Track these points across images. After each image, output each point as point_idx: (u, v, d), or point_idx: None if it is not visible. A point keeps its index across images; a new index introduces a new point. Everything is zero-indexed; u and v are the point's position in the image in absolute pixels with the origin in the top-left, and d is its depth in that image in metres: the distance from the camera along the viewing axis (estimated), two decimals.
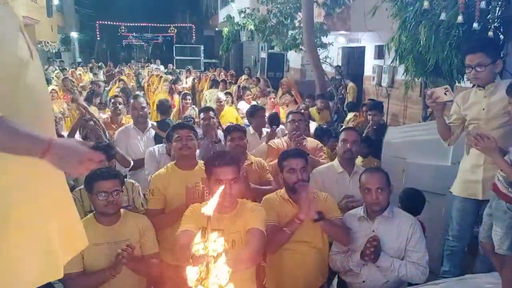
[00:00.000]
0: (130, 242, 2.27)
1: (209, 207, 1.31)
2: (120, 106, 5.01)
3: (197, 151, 3.47)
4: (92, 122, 4.18)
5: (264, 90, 8.60)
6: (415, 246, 2.42)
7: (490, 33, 4.03)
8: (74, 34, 25.36)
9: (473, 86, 2.91)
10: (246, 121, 5.31)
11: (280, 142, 3.91)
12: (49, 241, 1.35)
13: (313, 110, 6.72)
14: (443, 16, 4.17)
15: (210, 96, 8.07)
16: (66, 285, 2.31)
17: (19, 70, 1.24)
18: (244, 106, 6.74)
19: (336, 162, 3.19)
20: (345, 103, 8.70)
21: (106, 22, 27.90)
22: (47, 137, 1.22)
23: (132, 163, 3.66)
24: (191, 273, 1.25)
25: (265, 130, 4.55)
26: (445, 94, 2.64)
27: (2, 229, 1.23)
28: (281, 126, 4.83)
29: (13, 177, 1.25)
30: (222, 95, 6.41)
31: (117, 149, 3.58)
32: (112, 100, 5.09)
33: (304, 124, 4.07)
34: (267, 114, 5.14)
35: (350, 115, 6.79)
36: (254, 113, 4.63)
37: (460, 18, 3.98)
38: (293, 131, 3.89)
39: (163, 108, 5.11)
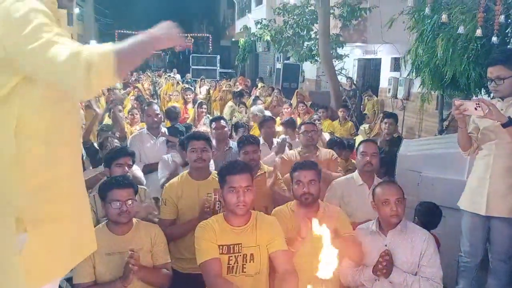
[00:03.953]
0: (133, 250, 2.23)
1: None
2: (121, 114, 5.21)
3: (211, 161, 3.48)
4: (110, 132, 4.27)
5: (281, 100, 8.62)
6: (429, 261, 2.37)
7: (510, 48, 3.97)
8: (93, 43, 25.87)
9: (492, 98, 2.87)
10: None
11: (293, 154, 3.89)
12: (63, 240, 1.43)
13: (334, 123, 6.68)
14: (461, 30, 4.13)
15: (227, 110, 8.08)
16: None
17: None
18: None
19: (356, 174, 3.17)
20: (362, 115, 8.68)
21: (124, 31, 28.36)
22: (146, 33, 1.42)
23: (145, 183, 3.62)
24: None
25: (276, 140, 4.56)
26: (476, 109, 2.53)
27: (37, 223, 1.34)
28: (282, 136, 4.86)
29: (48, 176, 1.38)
30: (257, 108, 6.47)
31: (133, 170, 3.53)
32: (112, 109, 5.26)
33: (317, 135, 4.07)
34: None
35: (364, 127, 6.75)
36: (263, 123, 4.66)
37: (478, 32, 3.94)
38: (307, 142, 3.88)
39: (172, 114, 5.41)
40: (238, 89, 10.82)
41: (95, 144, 4.38)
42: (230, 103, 8.45)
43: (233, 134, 5.32)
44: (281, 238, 2.27)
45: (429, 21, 4.81)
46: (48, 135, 1.35)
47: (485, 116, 2.52)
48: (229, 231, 2.22)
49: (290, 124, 5.00)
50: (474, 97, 2.70)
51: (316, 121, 5.50)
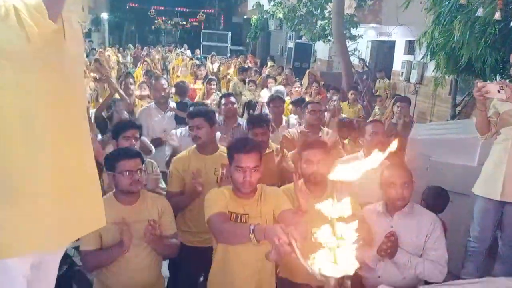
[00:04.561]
0: (152, 219, 2.28)
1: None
2: (132, 87, 5.19)
3: (219, 135, 3.49)
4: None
5: (290, 79, 8.55)
6: (435, 244, 2.37)
7: None
8: (104, 15, 25.69)
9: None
10: None
11: (295, 132, 3.89)
12: (49, 214, 1.37)
13: (343, 104, 6.62)
14: (479, 12, 4.03)
15: (233, 87, 8.06)
16: (82, 261, 2.36)
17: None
18: (266, 94, 6.73)
19: (361, 153, 3.15)
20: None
21: (136, 5, 28.11)
22: None
23: (153, 151, 3.68)
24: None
25: (285, 119, 4.56)
26: (498, 91, 2.47)
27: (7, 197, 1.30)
28: (291, 115, 4.85)
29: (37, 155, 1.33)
30: (277, 89, 6.45)
31: (142, 137, 3.57)
32: (124, 82, 5.22)
33: (324, 116, 4.06)
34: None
35: (375, 110, 6.70)
36: (269, 102, 4.66)
37: (497, 15, 3.84)
38: (313, 121, 3.86)
39: (181, 90, 5.38)
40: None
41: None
42: (235, 80, 8.42)
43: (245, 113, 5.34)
44: (286, 202, 2.26)
45: (447, 2, 4.69)
46: (6, 114, 1.27)
47: (508, 99, 2.47)
48: (237, 201, 2.23)
49: (300, 104, 4.97)
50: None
51: (335, 102, 5.47)
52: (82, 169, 1.48)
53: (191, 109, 3.67)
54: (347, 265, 1.38)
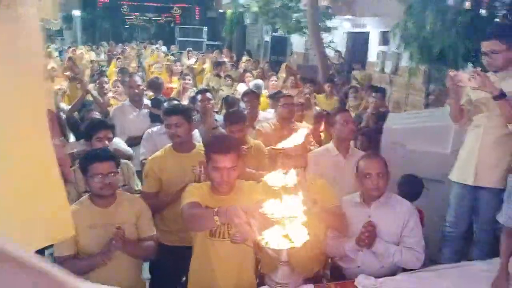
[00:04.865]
0: (119, 225, 2.22)
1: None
2: (106, 86, 5.17)
3: (197, 132, 3.45)
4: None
5: (266, 73, 8.54)
6: (411, 232, 2.41)
7: (497, 21, 3.96)
8: (76, 12, 25.07)
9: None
10: None
11: (268, 126, 3.88)
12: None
13: (320, 97, 6.64)
14: (450, 1, 4.09)
15: (206, 82, 8.03)
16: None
17: None
18: (243, 88, 6.69)
19: (331, 145, 3.17)
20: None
21: (108, 1, 27.54)
22: None
23: (133, 155, 3.57)
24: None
25: (262, 114, 4.54)
26: (470, 80, 2.56)
27: None
28: (269, 109, 4.84)
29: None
30: (254, 83, 6.42)
31: (118, 147, 3.37)
32: (98, 80, 5.13)
33: (296, 109, 4.07)
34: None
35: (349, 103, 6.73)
36: (243, 96, 4.64)
37: (467, 4, 3.92)
38: (287, 115, 3.85)
39: (155, 85, 5.27)
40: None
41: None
42: (208, 75, 8.37)
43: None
44: (262, 195, 2.26)
45: None
46: None
47: (479, 87, 2.53)
48: (214, 198, 2.21)
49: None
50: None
51: (307, 95, 5.48)
52: (42, 174, 1.39)
53: (165, 105, 3.61)
54: (296, 238, 1.45)
